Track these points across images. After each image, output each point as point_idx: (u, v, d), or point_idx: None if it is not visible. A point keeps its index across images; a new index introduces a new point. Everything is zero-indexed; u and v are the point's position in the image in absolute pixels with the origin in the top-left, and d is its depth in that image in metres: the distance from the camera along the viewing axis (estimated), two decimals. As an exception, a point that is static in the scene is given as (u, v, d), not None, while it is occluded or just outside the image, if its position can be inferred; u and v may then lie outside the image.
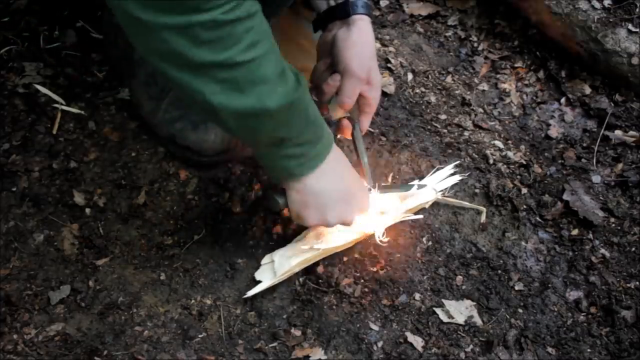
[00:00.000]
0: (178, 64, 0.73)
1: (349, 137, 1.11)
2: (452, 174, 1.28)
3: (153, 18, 0.68)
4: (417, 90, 1.47)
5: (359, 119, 1.09)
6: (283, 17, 1.13)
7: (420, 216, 1.20)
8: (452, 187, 1.27)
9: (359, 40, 1.01)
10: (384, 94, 1.44)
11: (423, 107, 1.44)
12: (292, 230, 1.18)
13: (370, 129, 1.36)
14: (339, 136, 1.30)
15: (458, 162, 1.31)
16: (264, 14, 0.76)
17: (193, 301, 1.10)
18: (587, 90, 1.47)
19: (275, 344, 1.05)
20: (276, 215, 1.18)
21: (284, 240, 1.17)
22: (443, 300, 1.13)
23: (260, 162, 0.95)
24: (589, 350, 1.09)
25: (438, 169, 1.28)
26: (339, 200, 0.96)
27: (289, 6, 1.08)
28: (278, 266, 1.10)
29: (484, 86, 1.51)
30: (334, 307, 1.11)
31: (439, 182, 1.25)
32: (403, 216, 1.17)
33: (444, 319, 1.10)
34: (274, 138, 0.83)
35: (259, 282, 1.10)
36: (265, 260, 1.13)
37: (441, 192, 1.23)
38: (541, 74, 1.52)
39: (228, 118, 0.79)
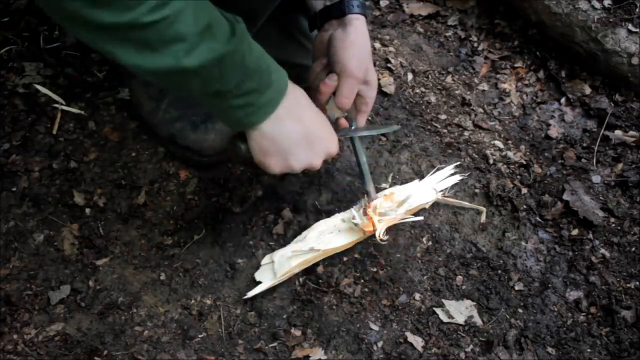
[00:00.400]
0: (86, 28, 0.70)
1: (347, 136, 1.11)
2: (452, 174, 1.28)
3: None
4: (417, 90, 1.47)
5: (356, 117, 1.09)
6: (281, 15, 1.13)
7: (420, 217, 1.20)
8: (452, 187, 1.27)
9: (356, 40, 1.01)
10: (384, 94, 1.44)
11: (423, 107, 1.44)
12: (292, 231, 1.18)
13: (370, 129, 1.36)
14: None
15: (458, 162, 1.31)
16: (247, 12, 0.74)
17: (193, 301, 1.10)
18: (587, 90, 1.47)
19: (275, 344, 1.05)
20: (242, 163, 1.11)
21: (284, 240, 1.17)
22: (443, 300, 1.13)
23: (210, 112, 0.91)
24: (589, 350, 1.09)
25: (438, 169, 1.28)
26: (301, 144, 0.92)
27: (275, 6, 1.07)
28: (278, 267, 1.10)
29: (484, 86, 1.51)
30: (334, 307, 1.11)
31: (439, 182, 1.25)
32: (403, 216, 1.17)
33: (444, 319, 1.10)
34: (209, 92, 0.80)
35: (259, 282, 1.10)
36: (265, 260, 1.13)
37: (441, 192, 1.23)
38: (541, 74, 1.52)
39: (149, 77, 0.77)
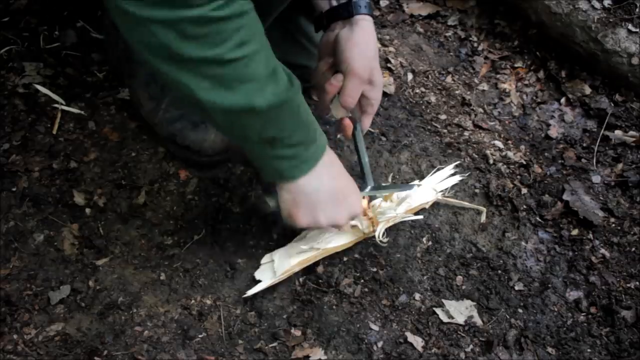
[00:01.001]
0: (166, 58, 0.73)
1: (350, 137, 1.11)
2: (452, 174, 1.28)
3: (143, 11, 0.68)
4: (417, 90, 1.47)
5: (360, 118, 1.09)
6: (284, 17, 1.14)
7: (420, 216, 1.20)
8: (452, 187, 1.27)
9: (362, 40, 1.01)
10: (384, 94, 1.44)
11: (423, 107, 1.44)
12: (292, 231, 1.18)
13: (371, 129, 1.36)
14: (339, 135, 1.31)
15: (458, 162, 1.31)
16: (258, 12, 0.76)
17: (193, 301, 1.10)
18: (587, 90, 1.47)
19: (275, 344, 1.05)
20: (268, 216, 1.18)
21: (284, 240, 1.17)
22: (443, 300, 1.13)
23: (253, 162, 0.95)
24: (589, 350, 1.09)
25: (438, 169, 1.28)
26: (330, 201, 0.96)
27: (285, 6, 1.08)
28: (278, 266, 1.10)
29: (484, 86, 1.51)
30: (334, 307, 1.11)
31: (439, 182, 1.25)
32: (403, 216, 1.17)
33: (444, 319, 1.10)
34: (264, 137, 0.83)
35: (259, 281, 1.10)
36: (265, 259, 1.13)
37: (441, 193, 1.23)
38: (541, 74, 1.52)
39: (216, 114, 0.79)
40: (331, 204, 0.96)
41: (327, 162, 0.94)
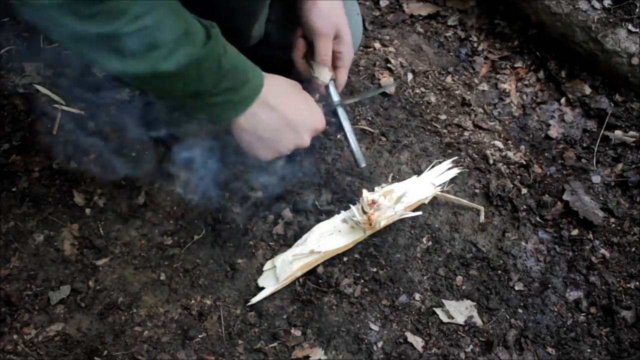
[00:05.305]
0: (70, 39, 0.77)
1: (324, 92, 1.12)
2: (450, 169, 1.28)
3: None
4: (417, 91, 1.47)
5: (336, 76, 1.10)
6: None
7: (420, 212, 1.20)
8: (452, 187, 1.27)
9: (323, 2, 1.04)
10: (384, 94, 1.44)
11: (423, 107, 1.44)
12: (292, 231, 1.18)
13: (370, 129, 1.36)
14: (339, 136, 1.31)
15: (456, 157, 1.31)
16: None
17: (193, 301, 1.10)
18: (587, 90, 1.47)
19: (275, 344, 1.05)
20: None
21: (284, 240, 1.17)
22: (443, 301, 1.13)
23: (191, 111, 0.97)
24: (589, 350, 1.09)
25: (436, 164, 1.28)
26: (282, 130, 0.98)
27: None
28: (280, 272, 1.10)
29: (484, 86, 1.51)
30: (334, 307, 1.11)
31: (437, 176, 1.25)
32: (402, 213, 1.17)
33: (444, 319, 1.10)
34: (188, 93, 0.87)
35: (262, 288, 1.10)
36: (267, 266, 1.13)
37: (440, 187, 1.23)
38: (541, 74, 1.52)
39: (133, 81, 0.84)
40: (285, 132, 0.98)
41: (266, 96, 0.94)
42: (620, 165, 1.34)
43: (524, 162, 1.35)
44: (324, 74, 1.07)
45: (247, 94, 0.92)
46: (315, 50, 1.05)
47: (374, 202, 1.13)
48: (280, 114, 0.96)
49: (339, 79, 1.10)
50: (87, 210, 1.18)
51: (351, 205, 1.16)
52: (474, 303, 1.13)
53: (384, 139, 1.35)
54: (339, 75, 1.10)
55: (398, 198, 1.15)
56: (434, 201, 1.25)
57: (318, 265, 1.13)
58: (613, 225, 1.25)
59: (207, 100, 0.88)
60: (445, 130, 1.40)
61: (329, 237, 1.13)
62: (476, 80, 1.52)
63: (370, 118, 1.38)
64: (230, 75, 0.88)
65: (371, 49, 1.53)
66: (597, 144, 1.38)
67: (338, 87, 1.10)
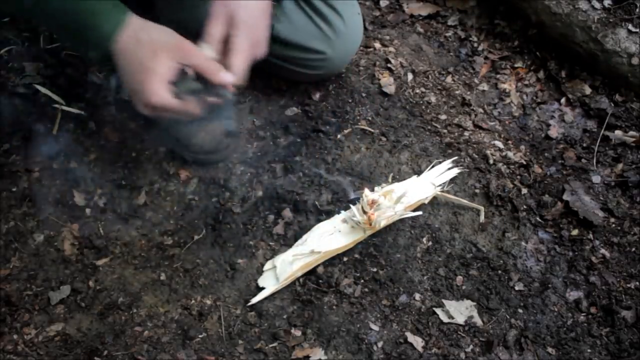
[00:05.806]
0: None
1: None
2: (450, 168, 1.28)
3: None
4: (417, 91, 1.47)
5: (226, 59, 1.02)
6: None
7: (420, 212, 1.20)
8: (452, 188, 1.27)
9: None
10: (384, 94, 1.44)
11: (423, 107, 1.44)
12: (292, 231, 1.18)
13: (370, 129, 1.36)
14: (339, 136, 1.31)
15: (456, 157, 1.31)
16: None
17: (193, 301, 1.10)
18: (587, 90, 1.47)
19: (275, 344, 1.05)
20: None
21: (284, 240, 1.17)
22: (443, 301, 1.13)
23: None
24: (589, 350, 1.09)
25: (436, 164, 1.28)
26: (132, 85, 0.96)
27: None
28: (280, 272, 1.10)
29: (484, 86, 1.51)
30: (334, 307, 1.11)
31: (437, 176, 1.25)
32: (403, 213, 1.17)
33: (444, 319, 1.10)
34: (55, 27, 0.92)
35: (263, 288, 1.10)
36: (267, 266, 1.13)
37: (440, 187, 1.23)
38: (541, 74, 1.52)
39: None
40: (133, 85, 0.95)
41: (121, 48, 0.93)
42: (620, 165, 1.34)
43: (524, 162, 1.35)
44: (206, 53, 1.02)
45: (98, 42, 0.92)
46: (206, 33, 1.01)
47: (374, 202, 1.13)
48: (144, 56, 0.94)
49: (233, 64, 1.01)
50: (87, 210, 1.18)
51: (351, 205, 1.16)
52: (474, 303, 1.13)
53: (384, 139, 1.35)
54: (233, 60, 1.01)
55: (398, 198, 1.15)
56: (434, 201, 1.25)
57: (318, 265, 1.13)
58: (613, 225, 1.25)
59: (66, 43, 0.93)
60: (445, 130, 1.40)
61: (329, 237, 1.13)
62: (476, 80, 1.52)
63: (370, 118, 1.38)
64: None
65: (371, 49, 1.53)
66: (597, 144, 1.38)
67: (230, 71, 1.01)
